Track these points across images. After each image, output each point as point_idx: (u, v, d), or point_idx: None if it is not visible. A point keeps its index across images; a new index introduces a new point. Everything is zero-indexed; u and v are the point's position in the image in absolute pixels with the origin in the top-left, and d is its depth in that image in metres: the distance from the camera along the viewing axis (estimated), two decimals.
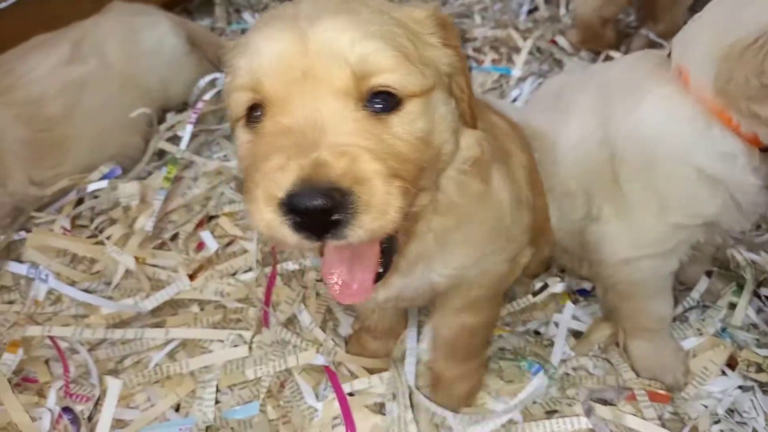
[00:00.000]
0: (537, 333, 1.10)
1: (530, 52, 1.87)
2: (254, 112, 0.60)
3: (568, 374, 1.00)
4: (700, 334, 1.10)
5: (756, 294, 1.14)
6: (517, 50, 1.90)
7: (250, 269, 1.15)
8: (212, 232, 1.21)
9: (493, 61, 1.89)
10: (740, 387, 1.03)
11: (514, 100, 1.72)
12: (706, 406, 1.00)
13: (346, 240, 0.54)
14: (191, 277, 1.08)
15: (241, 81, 0.59)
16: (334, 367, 0.97)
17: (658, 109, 0.86)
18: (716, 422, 0.98)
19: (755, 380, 1.03)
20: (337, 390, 0.94)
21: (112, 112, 1.38)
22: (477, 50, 1.93)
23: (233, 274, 1.14)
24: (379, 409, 0.95)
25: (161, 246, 1.20)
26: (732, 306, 1.13)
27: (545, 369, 0.98)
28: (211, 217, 1.27)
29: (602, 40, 1.80)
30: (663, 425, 0.95)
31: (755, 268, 1.15)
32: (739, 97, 0.77)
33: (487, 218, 0.78)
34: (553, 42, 1.91)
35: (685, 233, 0.90)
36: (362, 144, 0.55)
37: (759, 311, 1.13)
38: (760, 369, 1.05)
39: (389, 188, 0.54)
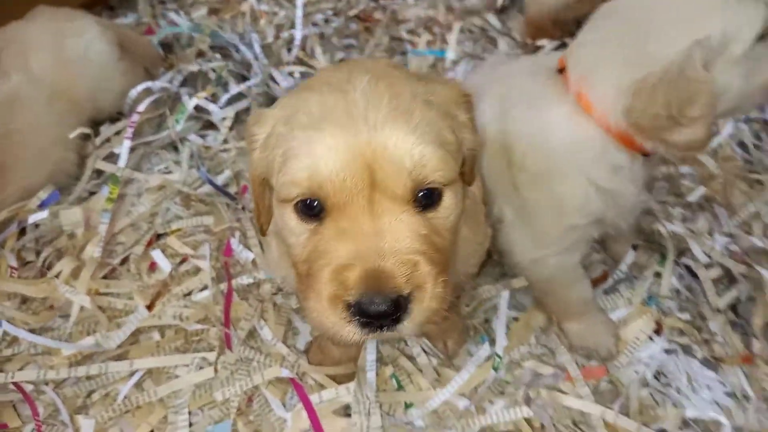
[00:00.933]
0: (487, 321, 1.19)
1: (462, 31, 1.90)
2: (310, 203, 0.65)
3: (512, 361, 1.09)
4: (630, 304, 1.21)
5: (677, 263, 1.25)
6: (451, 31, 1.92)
7: (205, 287, 1.17)
8: (163, 252, 1.22)
9: (428, 42, 1.91)
10: (666, 351, 1.15)
11: None
12: (637, 372, 1.12)
13: (399, 333, 0.63)
14: (149, 307, 1.10)
15: (300, 176, 0.63)
16: (299, 379, 1.03)
17: (559, 127, 0.94)
18: (645, 386, 1.10)
19: (678, 343, 1.16)
20: (305, 402, 0.99)
21: (44, 130, 1.33)
22: (411, 32, 1.94)
23: (188, 294, 1.16)
24: (345, 411, 1.02)
25: (113, 272, 1.20)
26: (657, 275, 1.25)
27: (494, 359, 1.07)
28: (159, 236, 1.28)
29: (550, 35, 1.79)
30: (601, 395, 1.05)
31: (676, 239, 1.26)
32: (650, 128, 0.85)
33: (474, 212, 0.88)
34: (486, 21, 1.95)
35: (580, 232, 1.01)
36: (418, 248, 0.62)
37: (680, 278, 1.25)
38: (682, 333, 1.17)
39: (439, 287, 0.63)
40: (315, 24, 1.85)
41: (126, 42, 1.52)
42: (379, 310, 0.60)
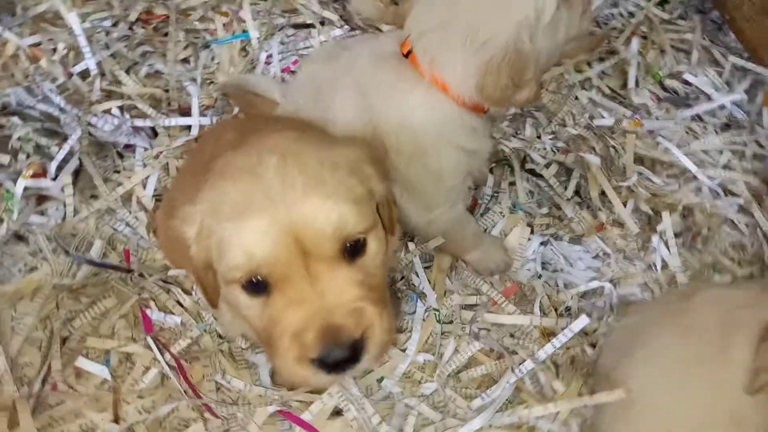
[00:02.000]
0: (404, 279, 1.34)
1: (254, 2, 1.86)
2: (255, 282, 0.74)
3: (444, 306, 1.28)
4: (502, 216, 1.46)
5: (524, 170, 1.51)
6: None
7: (148, 369, 1.15)
8: (86, 356, 1.16)
9: (224, 26, 1.85)
10: (542, 243, 1.42)
11: (268, 63, 1.76)
12: (529, 270, 1.38)
13: (361, 369, 0.76)
14: (115, 419, 1.06)
15: (238, 262, 0.72)
16: (286, 408, 1.10)
17: (422, 108, 1.09)
18: (539, 278, 1.37)
19: (548, 234, 1.44)
20: (301, 423, 1.09)
21: None
22: (204, 19, 1.85)
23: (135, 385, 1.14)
24: (335, 411, 1.13)
25: (42, 403, 1.12)
26: (512, 185, 1.50)
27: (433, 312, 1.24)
28: (64, 340, 1.20)
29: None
30: (520, 303, 1.29)
31: (516, 152, 1.51)
32: (500, 97, 1.04)
33: None
34: None
35: (459, 187, 1.22)
36: (357, 294, 0.74)
37: (529, 181, 1.52)
38: (548, 225, 1.45)
39: (385, 321, 0.76)
40: (99, 43, 1.68)
41: None
42: (340, 358, 0.73)
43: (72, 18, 1.58)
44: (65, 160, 1.39)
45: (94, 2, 1.79)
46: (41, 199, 1.39)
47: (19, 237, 1.34)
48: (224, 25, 1.85)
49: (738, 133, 1.70)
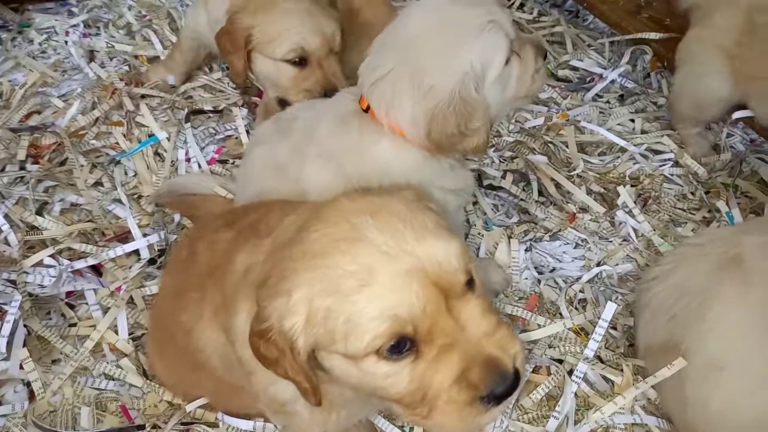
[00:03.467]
0: None
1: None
2: (398, 344, 0.69)
3: None
4: (481, 237, 1.48)
5: (483, 188, 1.56)
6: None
7: None
8: None
9: (125, 136, 1.72)
10: (526, 250, 1.46)
11: (189, 160, 1.66)
12: (528, 277, 1.41)
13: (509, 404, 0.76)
14: None
15: (380, 329, 0.67)
16: None
17: (394, 160, 1.10)
18: (541, 275, 1.41)
19: (528, 239, 1.48)
20: None
21: None
22: (100, 136, 1.71)
23: None
24: None
25: None
26: (475, 204, 1.54)
27: None
28: None
29: None
30: (543, 312, 1.31)
31: (474, 171, 1.55)
32: (447, 144, 1.06)
33: None
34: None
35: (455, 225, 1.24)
36: (494, 321, 0.72)
37: (492, 197, 1.57)
38: (526, 232, 1.49)
39: (517, 341, 0.74)
40: None
41: None
42: (508, 386, 0.71)
43: None
44: (12, 333, 1.20)
45: None
46: None
47: None
48: (124, 135, 1.73)
49: (634, 99, 1.89)
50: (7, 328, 1.19)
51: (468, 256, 0.73)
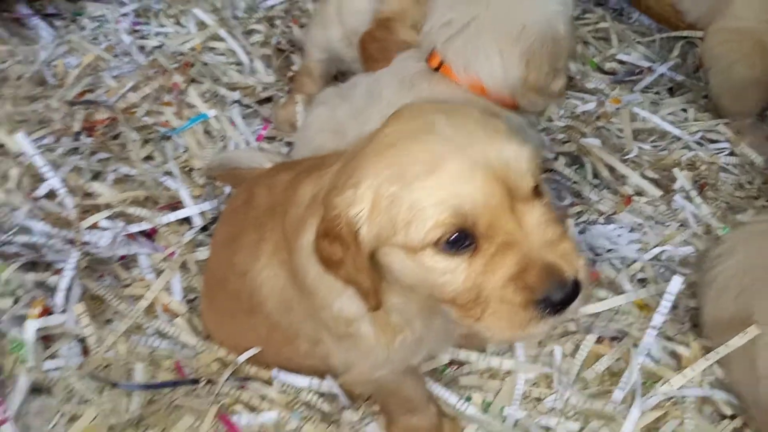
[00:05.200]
0: None
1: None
2: (457, 239, 0.67)
3: None
4: None
5: None
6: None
7: None
8: None
9: (175, 114, 1.74)
10: (580, 232, 1.43)
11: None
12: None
13: (574, 310, 0.69)
14: None
15: (441, 218, 0.66)
16: None
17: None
18: (594, 263, 1.38)
19: (582, 222, 1.45)
20: None
21: None
22: (151, 113, 1.74)
23: None
24: None
25: None
26: None
27: None
28: None
29: None
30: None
31: None
32: (543, 85, 1.06)
33: None
34: None
35: None
36: (559, 231, 0.69)
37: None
38: (580, 213, 1.47)
39: (582, 260, 0.70)
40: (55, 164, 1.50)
41: None
42: (566, 294, 0.67)
43: (21, 139, 1.40)
44: (68, 290, 1.20)
45: (25, 123, 1.62)
46: (46, 341, 1.18)
47: (37, 390, 1.11)
48: (174, 114, 1.75)
49: (685, 90, 1.87)
50: (64, 282, 1.19)
51: (538, 165, 0.70)
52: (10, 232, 1.26)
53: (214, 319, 1.13)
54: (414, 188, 0.66)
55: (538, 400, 1.13)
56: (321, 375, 1.09)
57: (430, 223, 0.66)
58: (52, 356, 1.16)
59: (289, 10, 2.15)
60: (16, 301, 1.15)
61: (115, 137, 1.66)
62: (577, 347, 1.17)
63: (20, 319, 1.14)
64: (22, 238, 1.26)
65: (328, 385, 1.09)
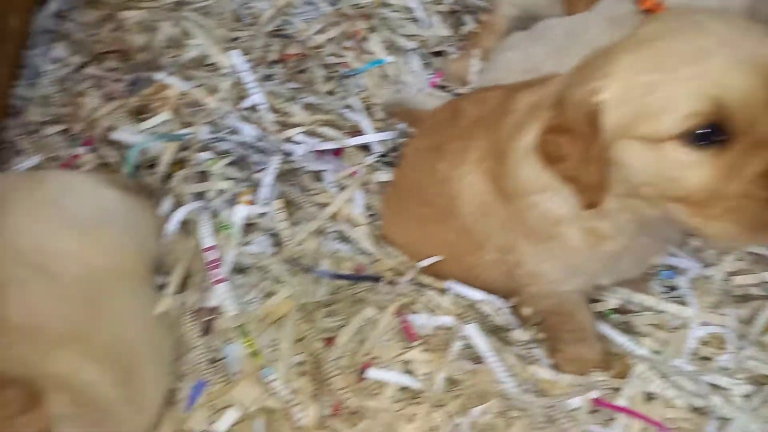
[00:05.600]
0: None
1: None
2: (706, 133, 0.66)
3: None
4: None
5: None
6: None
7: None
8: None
9: (358, 57, 1.86)
10: None
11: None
12: None
13: None
14: None
15: (697, 107, 0.65)
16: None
17: None
18: None
19: None
20: (627, 411, 0.99)
21: None
22: (333, 55, 1.87)
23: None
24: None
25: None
26: None
27: None
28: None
29: None
30: None
31: None
32: None
33: None
34: None
35: None
36: None
37: None
38: None
39: None
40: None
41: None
42: None
43: (235, 56, 1.58)
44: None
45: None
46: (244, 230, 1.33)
47: (236, 269, 1.26)
48: (354, 57, 1.87)
49: None
50: (268, 178, 1.34)
51: None
52: (224, 131, 1.43)
53: (399, 226, 1.22)
54: (673, 76, 0.66)
55: (707, 359, 1.12)
56: (494, 292, 1.14)
57: (685, 111, 0.65)
58: (248, 244, 1.31)
59: None
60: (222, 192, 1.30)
61: (302, 71, 1.81)
62: (755, 313, 1.14)
63: (229, 203, 1.30)
64: (233, 138, 1.42)
65: (500, 303, 1.14)
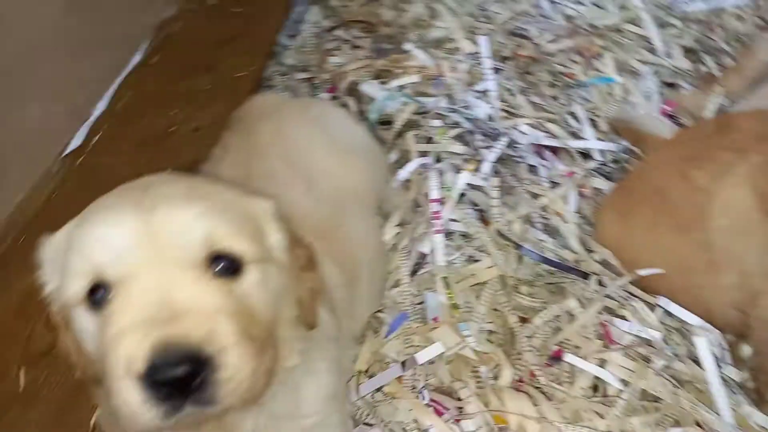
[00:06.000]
0: None
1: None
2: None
3: None
4: None
5: None
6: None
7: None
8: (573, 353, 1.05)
9: (586, 71, 1.86)
10: None
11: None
12: None
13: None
14: None
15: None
16: None
17: None
18: None
19: None
20: None
21: None
22: (561, 64, 1.88)
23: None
24: None
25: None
26: None
27: None
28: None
29: None
30: None
31: None
32: None
33: None
34: None
35: None
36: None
37: None
38: None
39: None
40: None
41: None
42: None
43: (483, 42, 1.66)
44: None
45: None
46: None
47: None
48: (582, 71, 1.87)
49: None
50: (491, 155, 1.39)
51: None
52: (460, 106, 1.50)
53: (621, 230, 1.20)
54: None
55: None
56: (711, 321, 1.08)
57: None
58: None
59: (710, 20, 2.12)
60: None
61: (529, 73, 1.84)
62: None
63: (453, 169, 1.37)
64: (467, 113, 1.49)
65: (716, 334, 1.07)
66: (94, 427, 0.90)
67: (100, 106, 1.45)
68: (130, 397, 0.53)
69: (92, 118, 1.42)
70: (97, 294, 0.58)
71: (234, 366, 0.54)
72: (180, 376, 0.51)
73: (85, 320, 0.60)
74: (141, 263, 0.57)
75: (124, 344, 0.53)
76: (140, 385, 0.52)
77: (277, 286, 0.66)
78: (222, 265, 0.60)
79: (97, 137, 1.39)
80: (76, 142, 1.36)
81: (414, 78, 1.62)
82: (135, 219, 0.58)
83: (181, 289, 0.56)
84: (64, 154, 1.34)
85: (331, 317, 0.85)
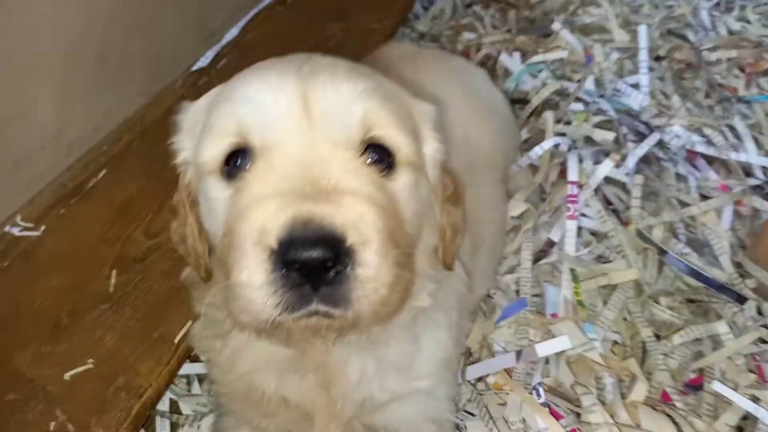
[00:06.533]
0: None
1: None
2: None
3: None
4: None
5: None
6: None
7: None
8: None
9: (745, 85, 1.64)
10: None
11: None
12: None
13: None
14: None
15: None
16: None
17: None
18: None
19: None
20: None
21: None
22: (725, 77, 1.67)
23: None
24: None
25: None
26: None
27: None
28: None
29: None
30: None
31: None
32: None
33: None
34: None
35: None
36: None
37: None
38: None
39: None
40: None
41: None
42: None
43: (642, 31, 1.49)
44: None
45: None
46: None
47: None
48: (744, 86, 1.65)
49: None
50: (641, 151, 1.23)
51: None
52: (609, 93, 1.35)
53: None
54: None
55: None
56: None
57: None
58: (586, 207, 1.20)
59: None
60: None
61: (684, 78, 1.65)
62: None
63: (592, 156, 1.22)
64: (614, 100, 1.33)
65: None
66: (179, 344, 0.83)
67: (231, 33, 1.41)
68: (256, 276, 0.45)
69: (221, 44, 1.38)
70: (235, 161, 0.52)
71: (375, 266, 0.46)
72: (316, 259, 0.43)
73: (217, 189, 0.53)
74: (291, 132, 0.50)
75: (261, 212, 0.46)
76: (270, 263, 0.45)
77: (426, 200, 0.60)
78: (376, 157, 0.53)
79: (222, 62, 1.35)
80: (203, 62, 1.32)
81: (558, 56, 1.47)
82: (293, 83, 0.52)
83: (332, 167, 0.49)
84: (189, 72, 1.30)
85: (463, 272, 0.73)
